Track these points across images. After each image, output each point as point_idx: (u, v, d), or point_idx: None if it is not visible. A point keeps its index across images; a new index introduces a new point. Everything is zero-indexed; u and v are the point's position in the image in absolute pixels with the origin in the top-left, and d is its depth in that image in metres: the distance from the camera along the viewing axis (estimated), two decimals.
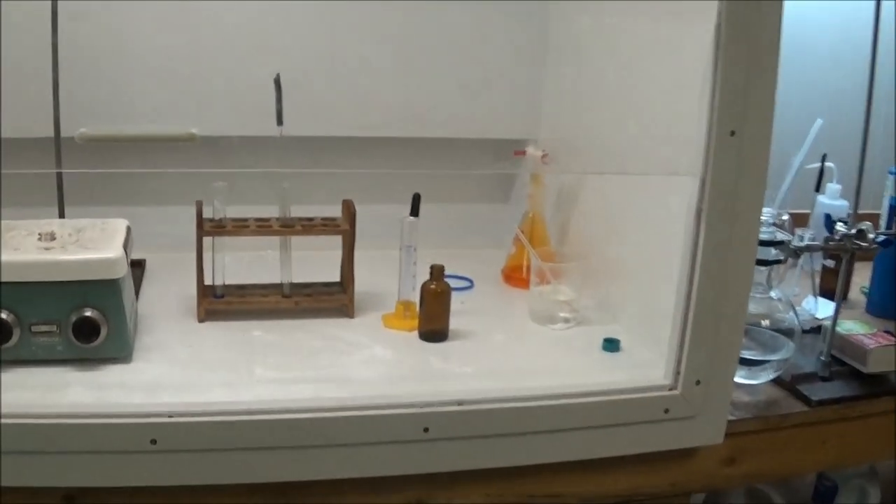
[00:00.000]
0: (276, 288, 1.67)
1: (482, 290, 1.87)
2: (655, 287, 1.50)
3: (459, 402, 1.36)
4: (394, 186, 1.81)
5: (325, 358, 1.52)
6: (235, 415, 1.29)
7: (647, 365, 1.51)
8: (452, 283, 1.73)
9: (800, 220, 2.03)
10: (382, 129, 1.96)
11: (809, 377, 1.64)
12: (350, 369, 1.48)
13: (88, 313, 1.41)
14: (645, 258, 1.59)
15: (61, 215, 1.73)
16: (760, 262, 1.52)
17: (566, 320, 1.70)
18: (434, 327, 1.60)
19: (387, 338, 1.61)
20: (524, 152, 1.92)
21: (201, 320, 1.62)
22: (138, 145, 1.86)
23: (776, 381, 1.61)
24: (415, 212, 1.63)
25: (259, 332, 1.59)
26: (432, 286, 1.59)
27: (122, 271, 1.43)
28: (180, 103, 1.86)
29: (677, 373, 1.42)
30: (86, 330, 1.41)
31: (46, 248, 1.42)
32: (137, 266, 1.82)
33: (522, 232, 1.85)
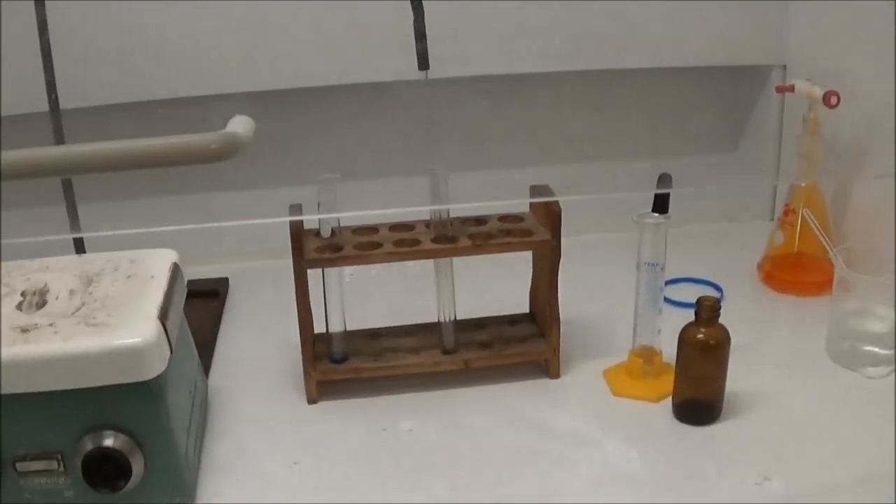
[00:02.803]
0: (429, 334, 1.03)
1: (737, 302, 1.20)
2: None
3: None
4: (592, 137, 1.14)
5: (527, 475, 0.88)
6: None
7: None
8: (690, 289, 1.21)
9: None
10: (565, 62, 1.26)
11: None
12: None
13: (109, 441, 0.80)
14: None
15: (74, 228, 1.07)
16: None
17: (885, 362, 1.04)
18: (700, 396, 0.95)
19: (620, 417, 0.97)
20: (791, 88, 1.20)
21: (312, 401, 0.99)
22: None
23: None
24: (662, 206, 0.94)
25: (410, 424, 0.96)
26: (700, 335, 0.92)
27: (159, 365, 0.80)
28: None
29: None
30: (106, 469, 0.81)
31: (25, 330, 0.80)
32: (211, 296, 1.20)
33: (793, 211, 1.18)
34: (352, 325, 1.04)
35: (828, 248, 1.07)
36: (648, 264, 0.96)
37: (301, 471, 0.90)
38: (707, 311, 0.92)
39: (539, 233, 0.98)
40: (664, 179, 0.94)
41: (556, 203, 0.96)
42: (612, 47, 1.25)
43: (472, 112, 1.21)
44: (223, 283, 1.23)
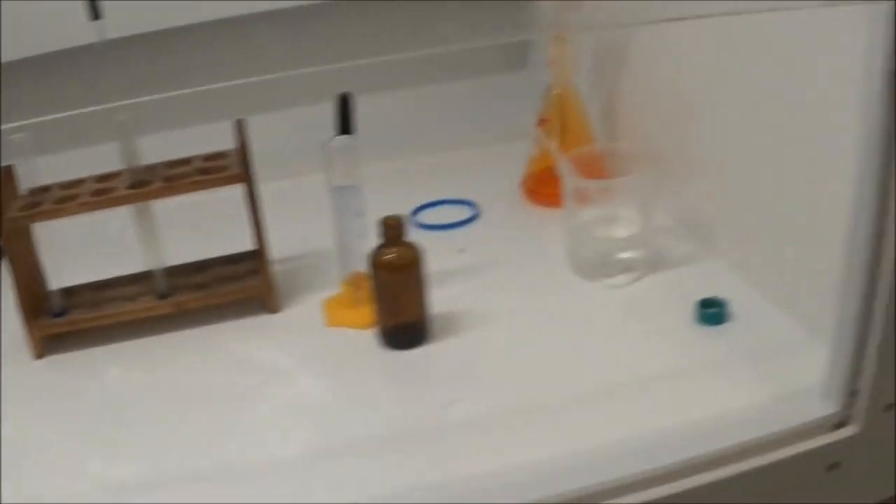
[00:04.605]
0: (146, 283, 1.03)
1: (492, 219, 1.18)
2: (786, 192, 0.90)
3: None
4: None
5: (218, 412, 0.88)
6: None
7: (783, 349, 0.87)
8: (445, 211, 1.17)
9: None
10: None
11: None
12: (255, 437, 0.84)
13: None
14: (763, 145, 0.93)
15: None
16: None
17: (630, 268, 1.02)
18: (400, 320, 0.94)
19: (327, 348, 0.96)
20: None
21: (39, 356, 1.00)
22: None
23: None
24: (345, 127, 0.93)
25: (117, 371, 0.96)
26: (388, 256, 0.92)
27: None
28: None
29: (852, 392, 0.74)
30: None
31: None
32: None
33: (548, 121, 1.14)
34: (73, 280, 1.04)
35: (554, 156, 1.04)
36: (339, 188, 0.95)
37: (20, 429, 0.88)
38: (391, 230, 0.91)
39: (234, 167, 0.98)
40: (343, 101, 0.93)
41: (244, 126, 0.95)
42: None
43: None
44: None
